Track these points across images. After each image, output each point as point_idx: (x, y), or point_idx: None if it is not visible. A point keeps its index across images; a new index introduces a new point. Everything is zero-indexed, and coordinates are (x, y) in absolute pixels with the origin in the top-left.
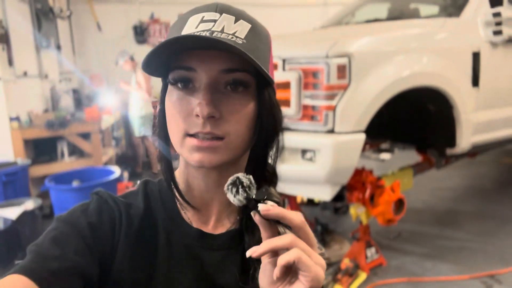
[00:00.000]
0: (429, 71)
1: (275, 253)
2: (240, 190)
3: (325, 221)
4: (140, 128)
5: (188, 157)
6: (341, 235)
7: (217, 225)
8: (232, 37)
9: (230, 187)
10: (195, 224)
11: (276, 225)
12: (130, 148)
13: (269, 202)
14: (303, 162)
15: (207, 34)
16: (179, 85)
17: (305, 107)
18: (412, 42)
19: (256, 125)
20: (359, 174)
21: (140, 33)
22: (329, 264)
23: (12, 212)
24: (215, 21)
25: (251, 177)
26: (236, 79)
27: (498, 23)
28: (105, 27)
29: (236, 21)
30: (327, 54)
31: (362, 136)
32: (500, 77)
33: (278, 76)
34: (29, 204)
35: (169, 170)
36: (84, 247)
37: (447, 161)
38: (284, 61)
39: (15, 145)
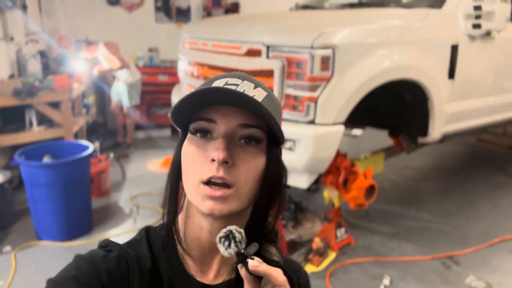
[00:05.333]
0: (408, 64)
1: None
2: (232, 244)
3: (298, 199)
4: (130, 98)
5: (200, 204)
6: (313, 213)
7: (217, 275)
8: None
9: (222, 239)
10: (196, 275)
11: (258, 279)
12: (101, 116)
13: (256, 259)
14: (283, 151)
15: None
16: (199, 134)
17: (287, 97)
18: (393, 34)
19: (263, 179)
20: (334, 158)
21: None
22: (301, 243)
23: None
24: (237, 85)
25: (242, 231)
26: (251, 134)
27: (478, 17)
28: None
29: (255, 88)
30: (312, 44)
31: (341, 128)
32: (475, 69)
33: (261, 63)
34: None
35: (174, 222)
36: None
37: (417, 146)
38: (268, 48)
39: None
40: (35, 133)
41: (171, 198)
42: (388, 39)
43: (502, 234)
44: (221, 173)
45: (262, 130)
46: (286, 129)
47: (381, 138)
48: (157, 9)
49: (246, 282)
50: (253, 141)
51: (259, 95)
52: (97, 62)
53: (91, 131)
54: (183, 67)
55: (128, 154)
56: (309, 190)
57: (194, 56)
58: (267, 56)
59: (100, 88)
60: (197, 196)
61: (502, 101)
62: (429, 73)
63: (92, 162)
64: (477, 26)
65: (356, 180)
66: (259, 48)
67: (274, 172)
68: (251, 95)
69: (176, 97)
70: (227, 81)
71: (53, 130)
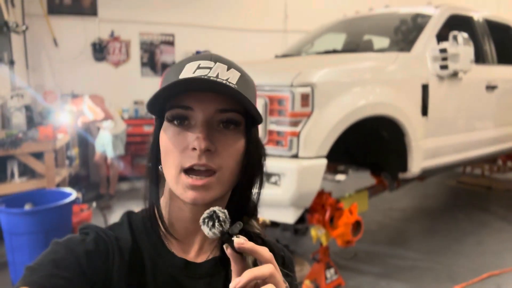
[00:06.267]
0: (383, 101)
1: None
2: (216, 224)
3: (286, 243)
4: (115, 148)
5: (182, 194)
6: (301, 256)
7: (199, 253)
8: (226, 82)
9: (206, 220)
10: (178, 254)
11: (245, 258)
12: (84, 168)
13: (241, 237)
14: (268, 185)
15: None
16: (175, 122)
17: (271, 133)
18: (368, 74)
19: (243, 161)
20: (319, 197)
21: (99, 50)
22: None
23: None
24: (210, 68)
25: (226, 211)
26: (229, 118)
27: (445, 58)
28: (62, 43)
29: (228, 69)
30: (292, 83)
31: (324, 161)
32: (446, 107)
33: None
34: None
35: (156, 204)
36: (80, 274)
37: (399, 184)
38: None
39: None
40: (17, 184)
41: (151, 185)
42: (362, 78)
43: (489, 270)
44: (203, 160)
45: (239, 113)
46: (271, 163)
47: (364, 178)
48: (143, 64)
49: (232, 261)
50: (232, 125)
51: (233, 76)
52: (82, 114)
53: (74, 183)
54: None
55: (110, 205)
56: (296, 232)
57: None
58: None
59: (84, 140)
60: (178, 186)
61: (475, 138)
62: (403, 110)
63: (74, 211)
64: (444, 67)
65: (342, 216)
66: None
67: (255, 152)
68: (225, 78)
69: None
70: (199, 64)
71: (35, 181)
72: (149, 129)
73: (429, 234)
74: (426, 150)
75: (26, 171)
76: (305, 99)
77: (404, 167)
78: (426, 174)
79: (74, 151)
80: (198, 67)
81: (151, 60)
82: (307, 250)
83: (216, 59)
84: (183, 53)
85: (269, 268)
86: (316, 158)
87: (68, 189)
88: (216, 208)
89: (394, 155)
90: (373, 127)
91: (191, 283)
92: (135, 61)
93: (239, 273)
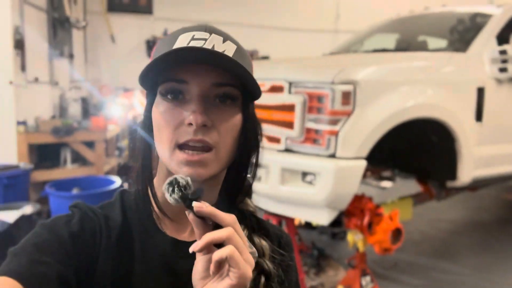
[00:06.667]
0: (433, 103)
1: (208, 250)
2: (176, 189)
3: (322, 246)
4: None
5: (177, 171)
6: (337, 261)
7: (193, 233)
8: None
9: (167, 186)
10: (170, 233)
11: (209, 224)
12: (133, 160)
13: (202, 202)
14: (303, 184)
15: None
16: (169, 96)
17: (308, 130)
18: (418, 73)
19: (240, 137)
20: (358, 201)
21: (153, 47)
22: None
23: (10, 216)
24: (205, 39)
25: (188, 178)
26: (226, 93)
27: (504, 61)
28: (119, 39)
29: (224, 41)
30: (332, 80)
31: (363, 163)
32: (504, 113)
33: (283, 98)
34: (28, 209)
35: (149, 181)
36: (64, 256)
37: (447, 193)
38: (290, 84)
39: (19, 149)
40: (68, 170)
41: (144, 164)
42: (411, 78)
43: None
44: (199, 136)
45: (236, 87)
46: (307, 162)
47: (410, 185)
48: None
49: (194, 226)
50: (229, 99)
51: (229, 49)
52: (132, 108)
53: (122, 173)
54: None
55: None
56: (334, 236)
57: None
58: (289, 92)
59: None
60: (172, 162)
61: None
62: (454, 113)
63: None
64: (504, 70)
65: (381, 222)
66: (282, 85)
67: (251, 129)
68: (221, 50)
69: None
70: (194, 35)
71: (86, 168)
72: None
73: (479, 249)
74: (478, 158)
75: (78, 159)
76: (346, 97)
77: (453, 175)
78: (478, 185)
79: (124, 142)
80: (193, 38)
81: None
82: (343, 255)
83: (211, 30)
84: None
85: (228, 230)
86: (354, 159)
87: (113, 177)
88: (178, 176)
89: (443, 161)
90: (421, 129)
91: (181, 262)
92: None
93: (201, 238)
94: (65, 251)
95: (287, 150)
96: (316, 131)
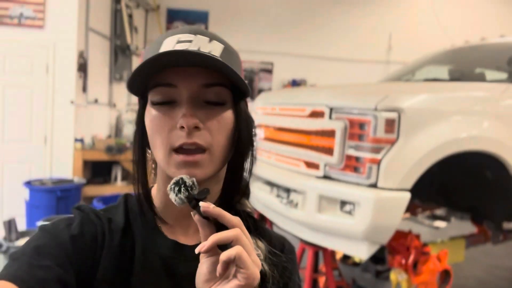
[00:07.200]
0: (490, 136)
1: (213, 252)
2: (182, 189)
3: (364, 284)
4: None
5: (175, 173)
6: None
7: (194, 236)
8: (209, 54)
9: (172, 186)
10: (172, 236)
11: (214, 226)
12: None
13: (208, 202)
14: (341, 214)
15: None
16: (159, 101)
17: (348, 158)
18: (474, 104)
19: (234, 136)
20: (403, 237)
21: None
22: None
23: None
24: (190, 41)
25: (194, 179)
26: (216, 93)
27: None
28: None
29: (210, 41)
30: (375, 106)
31: (407, 195)
32: None
33: (323, 124)
34: None
35: (144, 187)
36: (65, 259)
37: (505, 237)
38: (331, 109)
39: (75, 164)
40: (118, 187)
41: (139, 172)
42: (466, 108)
43: None
44: (192, 138)
45: (225, 87)
46: (346, 190)
47: (462, 229)
48: None
49: (200, 226)
50: (219, 99)
51: (215, 49)
52: None
53: None
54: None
55: None
56: (378, 275)
57: (263, 119)
58: (330, 117)
59: None
60: (169, 166)
61: None
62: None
63: None
64: None
65: (427, 262)
66: (322, 110)
67: (244, 127)
68: (207, 50)
69: None
70: (179, 38)
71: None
72: None
73: None
74: None
75: (128, 176)
76: (390, 125)
77: (511, 216)
78: None
79: None
80: (178, 41)
81: (250, 86)
82: None
83: (196, 31)
84: (280, 81)
85: (235, 231)
86: (397, 191)
87: None
88: (183, 175)
89: (499, 200)
90: (475, 165)
91: (182, 265)
92: None
93: (207, 239)
94: (66, 254)
95: (326, 177)
96: (357, 159)
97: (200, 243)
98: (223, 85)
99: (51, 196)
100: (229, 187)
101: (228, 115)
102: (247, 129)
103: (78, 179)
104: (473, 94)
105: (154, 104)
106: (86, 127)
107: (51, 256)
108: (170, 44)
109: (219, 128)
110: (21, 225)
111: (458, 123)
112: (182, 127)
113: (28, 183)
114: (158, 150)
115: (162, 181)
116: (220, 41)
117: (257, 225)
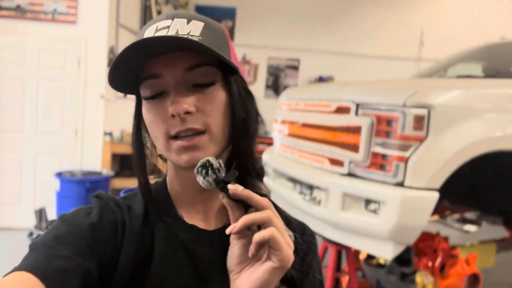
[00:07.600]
0: None
1: (243, 234)
2: (210, 171)
3: (388, 286)
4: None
5: (177, 159)
6: None
7: (215, 221)
8: (187, 37)
9: (200, 169)
10: (191, 222)
11: (243, 208)
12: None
13: (237, 184)
14: (365, 213)
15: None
16: (149, 93)
17: (375, 155)
18: (508, 101)
19: (231, 113)
20: (431, 239)
21: None
22: None
23: None
24: (168, 27)
25: (220, 161)
26: (202, 73)
27: None
28: None
29: (188, 22)
30: (404, 103)
31: (435, 195)
32: None
33: (349, 120)
34: None
35: (144, 178)
36: (85, 248)
37: None
38: (357, 105)
39: (104, 157)
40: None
41: (138, 169)
42: (502, 106)
43: None
44: (187, 125)
45: (211, 65)
46: (371, 188)
47: (494, 232)
48: (267, 86)
49: (229, 209)
50: (207, 80)
51: (195, 28)
52: None
53: None
54: (277, 128)
55: None
56: (403, 278)
57: (287, 115)
58: (356, 113)
59: None
60: (170, 153)
61: None
62: None
63: None
64: None
65: (455, 265)
66: (348, 106)
67: (239, 102)
68: (185, 32)
69: (266, 156)
70: (157, 26)
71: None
72: (263, 147)
73: None
74: None
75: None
76: (419, 122)
77: None
78: None
79: None
80: (156, 30)
81: (275, 83)
82: None
83: (174, 15)
84: (307, 77)
85: (267, 213)
86: (425, 190)
87: None
88: (210, 158)
89: None
90: (509, 166)
91: (202, 250)
92: (261, 83)
93: (236, 221)
94: (85, 242)
95: (350, 174)
96: (383, 156)
97: (220, 227)
98: (209, 64)
99: (80, 187)
100: (238, 168)
101: (220, 94)
102: (244, 104)
103: (107, 171)
104: (509, 91)
105: (146, 99)
106: (115, 121)
107: (70, 245)
108: (150, 34)
109: (212, 108)
110: (52, 215)
111: (492, 121)
112: (173, 115)
113: (59, 174)
114: (157, 140)
115: (171, 169)
116: (200, 19)
117: (276, 207)
